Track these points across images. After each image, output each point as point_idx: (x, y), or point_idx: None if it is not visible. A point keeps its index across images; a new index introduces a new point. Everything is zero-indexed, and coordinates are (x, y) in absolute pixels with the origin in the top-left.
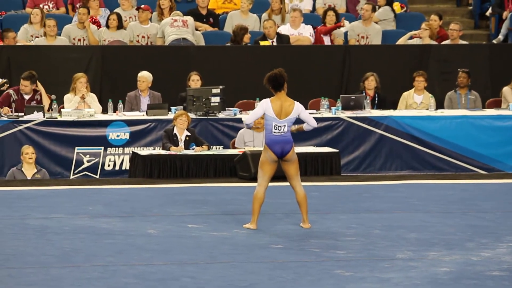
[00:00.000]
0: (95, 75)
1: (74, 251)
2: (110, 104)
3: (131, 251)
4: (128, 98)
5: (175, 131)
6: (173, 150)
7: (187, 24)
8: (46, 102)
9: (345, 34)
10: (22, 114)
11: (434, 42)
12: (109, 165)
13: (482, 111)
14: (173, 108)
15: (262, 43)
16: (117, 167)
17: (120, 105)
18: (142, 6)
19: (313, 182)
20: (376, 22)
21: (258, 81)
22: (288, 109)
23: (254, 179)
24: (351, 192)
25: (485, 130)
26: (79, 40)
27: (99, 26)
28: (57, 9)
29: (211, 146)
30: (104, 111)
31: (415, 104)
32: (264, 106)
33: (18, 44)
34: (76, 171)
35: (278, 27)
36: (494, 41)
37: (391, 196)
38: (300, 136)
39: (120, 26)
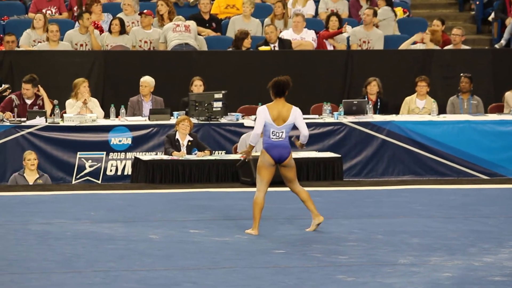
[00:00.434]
0: (97, 80)
1: (76, 256)
2: (112, 109)
3: (133, 256)
4: (130, 103)
5: (177, 136)
6: (175, 155)
7: (189, 29)
8: (48, 107)
9: (347, 39)
10: (24, 119)
11: (437, 47)
12: (111, 170)
13: (484, 116)
14: (175, 113)
15: (262, 48)
16: (119, 172)
17: (122, 110)
18: (145, 11)
19: (315, 187)
20: (377, 24)
21: (260, 86)
22: (286, 114)
23: (256, 184)
24: (354, 197)
25: (487, 135)
26: (82, 45)
27: (101, 31)
28: (60, 14)
29: (213, 151)
30: (106, 116)
31: (418, 109)
32: (263, 114)
33: (20, 49)
34: (78, 176)
35: (281, 31)
36: (497, 46)
37: (393, 201)
38: None
39: (123, 31)
